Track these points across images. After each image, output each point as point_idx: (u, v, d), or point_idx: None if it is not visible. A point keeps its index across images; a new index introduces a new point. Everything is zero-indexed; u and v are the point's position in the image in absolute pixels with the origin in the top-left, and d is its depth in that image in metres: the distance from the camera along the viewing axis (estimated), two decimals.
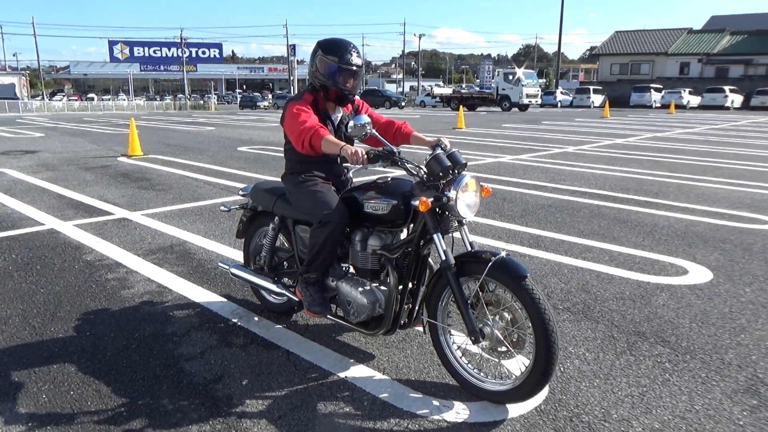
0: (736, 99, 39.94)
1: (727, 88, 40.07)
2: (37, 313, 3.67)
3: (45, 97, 60.33)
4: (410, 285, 2.81)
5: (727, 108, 38.83)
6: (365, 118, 2.77)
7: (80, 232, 5.69)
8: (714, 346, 3.20)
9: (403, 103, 44.81)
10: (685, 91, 41.18)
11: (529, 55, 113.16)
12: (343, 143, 2.73)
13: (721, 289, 4.11)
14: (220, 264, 3.90)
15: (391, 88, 74.69)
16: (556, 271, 4.46)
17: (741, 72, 46.74)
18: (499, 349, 2.59)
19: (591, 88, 45.03)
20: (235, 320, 3.55)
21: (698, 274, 4.40)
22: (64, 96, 69.71)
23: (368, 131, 2.77)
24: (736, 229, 5.79)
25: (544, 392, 2.67)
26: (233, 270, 3.65)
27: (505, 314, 2.55)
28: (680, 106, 38.43)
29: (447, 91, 50.13)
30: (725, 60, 48.10)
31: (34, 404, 2.61)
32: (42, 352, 3.12)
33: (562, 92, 46.94)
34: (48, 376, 2.87)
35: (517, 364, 2.61)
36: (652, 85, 42.92)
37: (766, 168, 10.28)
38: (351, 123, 2.77)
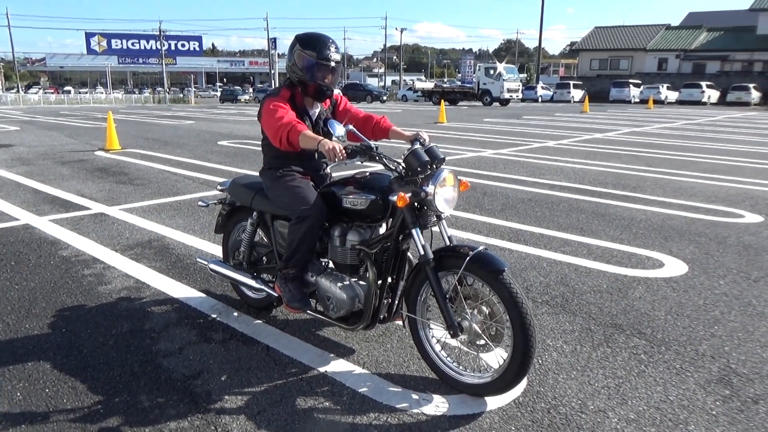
0: (713, 94, 40.56)
1: (704, 83, 40.67)
2: (12, 310, 3.61)
3: (20, 89, 59.21)
4: (389, 280, 2.82)
5: (704, 103, 39.43)
6: (339, 131, 2.70)
7: (56, 227, 5.60)
8: (688, 338, 3.25)
9: (384, 98, 44.75)
10: (663, 86, 41.72)
11: (510, 50, 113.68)
12: (321, 138, 2.71)
13: (696, 281, 4.18)
14: (198, 259, 3.87)
15: (372, 82, 74.54)
16: (535, 264, 4.50)
17: (717, 68, 47.47)
18: (477, 342, 2.61)
19: (571, 83, 45.42)
20: (214, 316, 3.53)
21: (674, 267, 4.47)
22: (40, 89, 68.47)
23: (342, 141, 2.74)
24: (711, 223, 5.89)
25: (523, 384, 2.70)
26: (212, 265, 3.63)
27: (484, 308, 2.57)
28: (658, 102, 38.91)
29: (429, 85, 50.19)
30: (702, 56, 48.81)
31: (8, 402, 2.57)
32: (16, 350, 3.07)
33: (542, 87, 47.20)
34: (23, 373, 2.83)
35: (496, 357, 2.63)
36: (630, 81, 43.43)
37: (741, 162, 10.46)
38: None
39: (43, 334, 3.27)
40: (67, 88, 72.17)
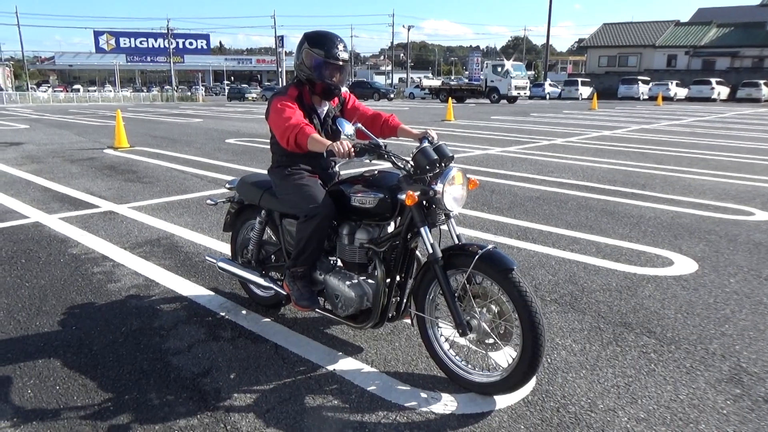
0: (723, 91, 40.28)
1: (713, 80, 40.38)
2: (22, 307, 3.64)
3: (30, 88, 59.56)
4: (398, 278, 2.81)
5: (714, 100, 39.16)
6: (348, 129, 2.71)
7: (66, 225, 5.63)
8: (699, 337, 3.23)
9: (392, 95, 44.72)
10: (672, 83, 41.49)
11: (517, 47, 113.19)
12: (329, 142, 2.69)
13: (706, 279, 4.15)
14: (207, 257, 3.89)
15: (380, 79, 74.45)
16: (544, 262, 4.49)
17: (727, 64, 47.11)
18: (486, 341, 2.60)
19: (579, 80, 45.22)
20: (222, 314, 3.54)
21: (684, 265, 4.44)
22: (49, 87, 68.79)
23: (351, 139, 2.74)
24: (721, 221, 5.85)
25: (531, 383, 2.69)
26: (220, 263, 3.63)
27: (492, 306, 2.56)
28: (667, 98, 38.69)
29: (436, 82, 49.99)
30: (712, 52, 48.43)
31: (19, 399, 2.59)
32: (27, 347, 3.10)
33: (550, 84, 47.03)
34: (33, 371, 2.85)
35: (505, 356, 2.62)
36: (639, 78, 43.18)
37: (751, 160, 10.38)
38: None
39: (54, 332, 3.29)
40: (75, 86, 72.48)
